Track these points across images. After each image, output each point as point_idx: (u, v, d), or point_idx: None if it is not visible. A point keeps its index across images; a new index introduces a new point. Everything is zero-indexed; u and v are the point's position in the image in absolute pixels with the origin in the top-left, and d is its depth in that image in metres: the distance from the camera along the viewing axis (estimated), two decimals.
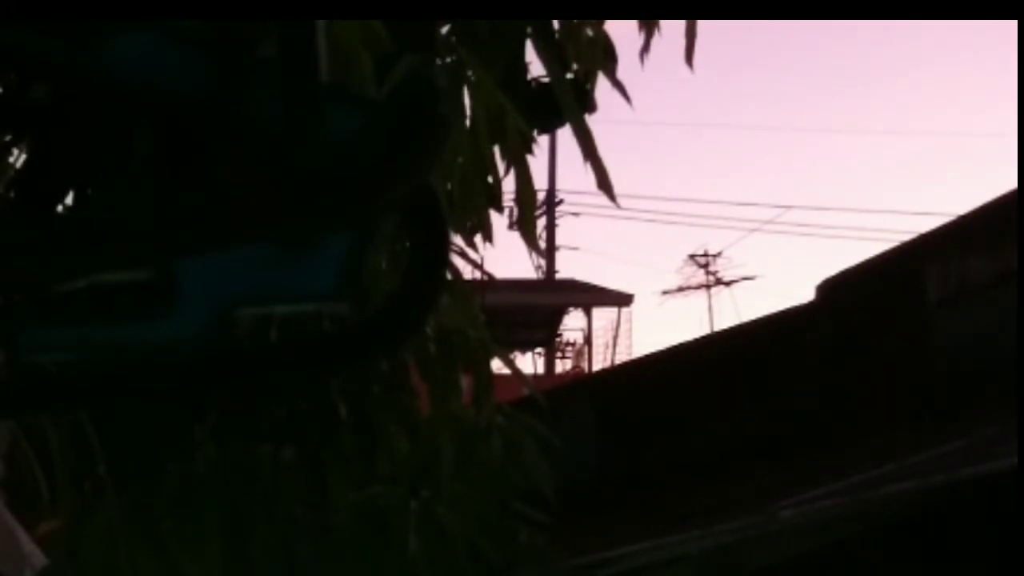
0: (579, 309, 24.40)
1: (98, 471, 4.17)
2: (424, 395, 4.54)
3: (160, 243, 1.38)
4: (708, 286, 27.68)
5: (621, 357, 23.07)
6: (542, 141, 4.02)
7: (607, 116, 3.97)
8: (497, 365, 4.58)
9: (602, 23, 3.76)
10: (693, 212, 46.26)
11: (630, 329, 31.17)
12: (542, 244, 24.34)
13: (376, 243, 1.45)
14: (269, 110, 1.39)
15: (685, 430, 9.68)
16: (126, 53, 1.42)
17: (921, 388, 8.03)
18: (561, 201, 25.74)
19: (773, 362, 9.30)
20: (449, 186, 3.60)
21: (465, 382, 4.45)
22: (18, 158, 1.87)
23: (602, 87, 3.81)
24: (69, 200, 1.59)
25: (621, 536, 7.31)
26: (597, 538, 7.40)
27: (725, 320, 26.70)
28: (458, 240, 3.94)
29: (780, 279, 52.87)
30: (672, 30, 3.87)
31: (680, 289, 27.84)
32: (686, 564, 5.87)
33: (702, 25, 3.82)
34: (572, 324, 24.61)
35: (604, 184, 3.58)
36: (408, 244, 1.59)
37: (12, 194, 1.63)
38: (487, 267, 4.43)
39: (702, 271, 27.81)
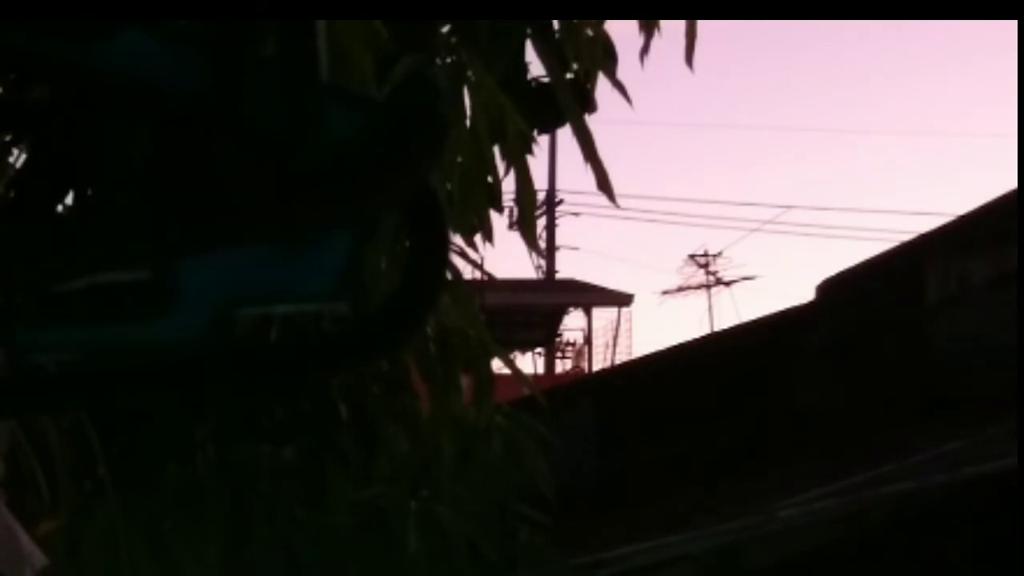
0: (579, 309, 24.40)
1: (98, 471, 4.17)
2: (424, 395, 4.54)
3: (160, 243, 1.38)
4: (708, 286, 27.68)
5: (621, 357, 23.08)
6: (542, 141, 4.02)
7: (607, 116, 3.98)
8: (497, 365, 4.59)
9: (602, 23, 3.76)
10: (693, 212, 46.25)
11: (630, 329, 31.18)
12: (542, 244, 24.34)
13: (376, 243, 1.45)
14: (269, 110, 1.39)
15: (685, 430, 9.68)
16: (126, 53, 1.42)
17: (921, 388, 8.03)
18: (561, 201, 25.75)
19: (773, 362, 9.30)
20: (449, 186, 3.60)
21: (465, 382, 4.45)
22: (18, 158, 1.87)
23: (602, 87, 3.81)
24: (69, 200, 1.59)
25: (621, 536, 7.31)
26: (597, 538, 7.40)
27: (725, 320, 26.69)
28: (458, 240, 3.94)
29: (780, 279, 52.86)
30: (672, 30, 3.87)
31: (680, 289, 27.85)
32: (686, 564, 5.87)
33: (702, 25, 3.83)
34: (572, 324, 24.64)
35: (604, 184, 3.58)
36: (408, 244, 1.60)
37: (12, 194, 1.63)
38: (487, 267, 4.44)
39: (702, 271, 27.81)
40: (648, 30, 3.85)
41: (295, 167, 1.37)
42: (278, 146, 1.38)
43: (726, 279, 27.62)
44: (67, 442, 3.96)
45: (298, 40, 1.39)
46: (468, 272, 4.33)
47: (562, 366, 24.46)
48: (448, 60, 3.60)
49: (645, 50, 3.88)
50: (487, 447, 4.63)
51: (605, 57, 3.79)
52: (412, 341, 3.91)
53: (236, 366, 1.55)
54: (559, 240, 25.94)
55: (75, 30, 1.41)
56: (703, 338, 11.72)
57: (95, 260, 1.39)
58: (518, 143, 3.66)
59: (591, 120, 3.68)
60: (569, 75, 3.73)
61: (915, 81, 58.54)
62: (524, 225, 3.89)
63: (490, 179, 3.69)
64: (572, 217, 26.19)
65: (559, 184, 25.66)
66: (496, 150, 3.66)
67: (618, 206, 3.75)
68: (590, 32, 3.74)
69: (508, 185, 3.75)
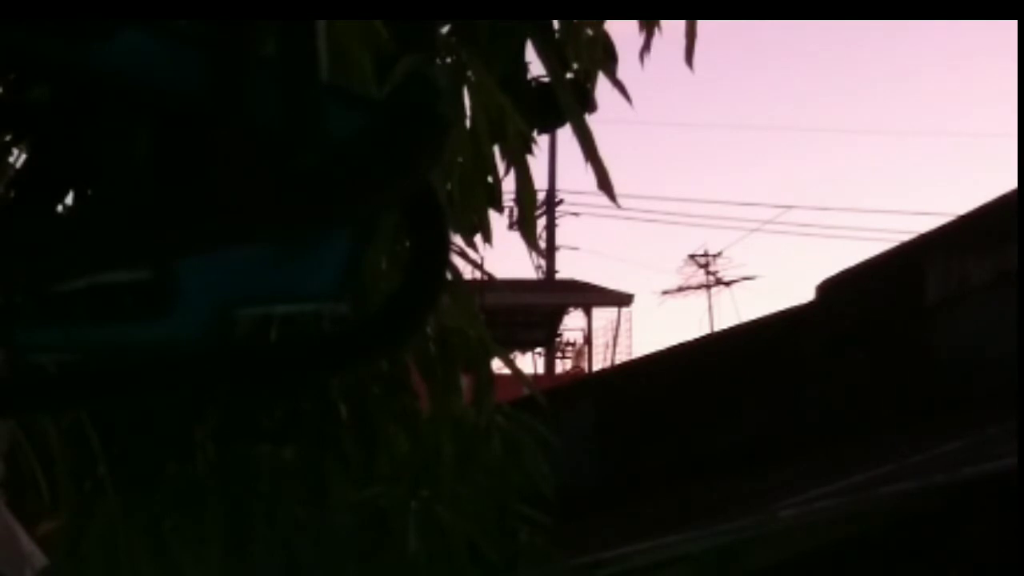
0: (579, 309, 24.40)
1: (98, 471, 4.17)
2: (424, 395, 4.54)
3: (160, 243, 1.38)
4: (708, 286, 27.68)
5: (621, 357, 23.08)
6: (542, 141, 4.02)
7: (607, 116, 3.98)
8: (497, 365, 4.59)
9: (602, 23, 3.76)
10: (693, 212, 46.17)
11: (630, 329, 31.15)
12: (542, 244, 24.34)
13: (376, 243, 1.45)
14: (269, 110, 1.39)
15: (685, 430, 9.68)
16: (126, 53, 1.42)
17: (921, 388, 8.03)
18: (561, 201, 25.75)
19: (773, 362, 9.30)
20: (449, 186, 3.60)
21: (465, 382, 4.45)
22: (18, 158, 1.87)
23: (602, 87, 3.81)
24: (69, 200, 1.59)
25: (621, 536, 7.31)
26: (597, 538, 7.40)
27: (725, 320, 26.68)
28: (458, 240, 3.94)
29: (780, 279, 52.77)
30: (672, 30, 3.87)
31: (680, 289, 27.84)
32: (686, 564, 5.86)
33: (702, 25, 3.83)
34: (572, 324, 24.63)
35: (604, 184, 3.58)
36: (408, 244, 1.59)
37: (12, 194, 1.63)
38: (487, 267, 4.44)
39: (702, 271, 27.81)
40: (648, 30, 3.85)
41: (295, 167, 1.37)
42: (278, 146, 1.38)
43: (726, 279, 27.62)
44: (67, 442, 3.96)
45: (298, 40, 1.39)
46: (468, 272, 4.34)
47: (562, 366, 24.47)
48: (448, 60, 3.59)
49: (646, 49, 3.88)
50: (487, 447, 4.63)
51: (605, 57, 3.79)
52: (412, 341, 3.91)
53: (236, 366, 1.55)
54: (559, 240, 25.96)
55: (75, 30, 1.41)
56: (703, 338, 11.71)
57: (95, 260, 1.40)
58: (518, 143, 3.66)
59: (591, 120, 3.68)
60: (569, 75, 3.73)
61: (915, 81, 58.51)
62: (524, 225, 3.89)
63: (490, 179, 3.69)
64: (572, 217, 26.20)
65: (559, 184, 25.67)
66: (496, 150, 3.66)
67: (619, 206, 3.75)
68: (590, 32, 3.74)
69: (508, 185, 3.76)
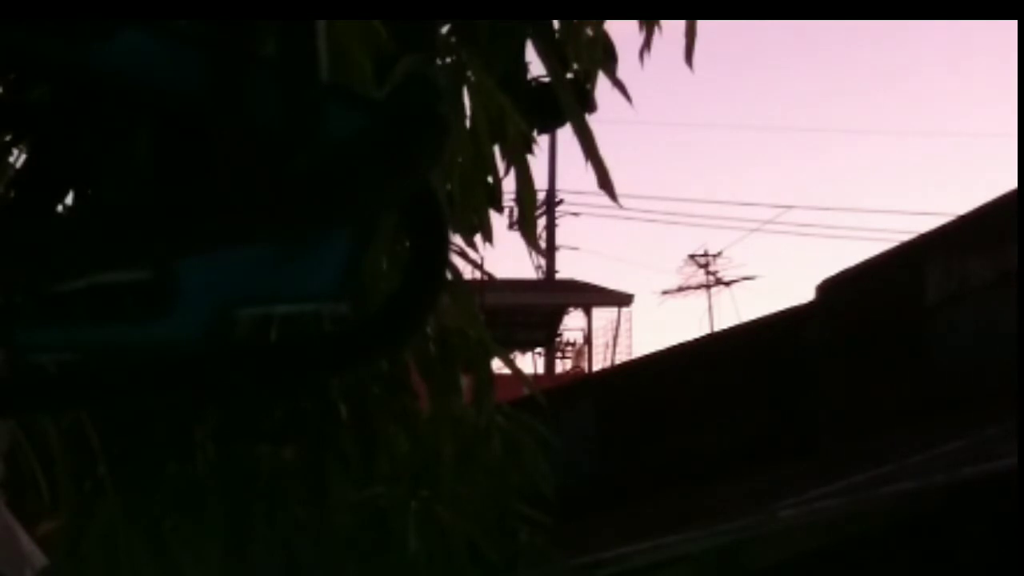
0: (579, 309, 24.40)
1: (98, 471, 4.17)
2: (424, 395, 4.54)
3: (160, 243, 1.38)
4: (708, 286, 27.67)
5: (621, 357, 23.07)
6: (542, 141, 4.02)
7: (607, 116, 3.97)
8: (497, 365, 4.59)
9: (602, 23, 3.76)
10: (693, 212, 46.19)
11: (630, 329, 31.14)
12: (542, 244, 24.34)
13: (376, 243, 1.45)
14: (269, 110, 1.39)
15: (685, 430, 9.68)
16: (126, 53, 1.42)
17: (921, 388, 8.03)
18: (561, 201, 25.74)
19: (773, 362, 9.30)
20: (449, 186, 3.60)
21: (465, 382, 4.45)
22: (18, 158, 1.87)
23: (602, 87, 3.81)
24: (69, 200, 1.59)
25: (621, 536, 7.31)
26: (597, 538, 7.40)
27: (725, 320, 26.67)
28: (458, 240, 3.94)
29: (780, 279, 52.75)
30: (672, 30, 3.87)
31: (680, 289, 27.83)
32: (686, 564, 5.87)
33: (702, 25, 3.83)
34: (572, 324, 24.63)
35: (604, 184, 3.58)
36: (408, 244, 1.59)
37: (12, 194, 1.63)
38: (487, 267, 4.44)
39: (702, 271, 27.80)
40: (648, 30, 3.85)
41: (295, 167, 1.37)
42: (278, 146, 1.38)
43: (726, 279, 27.61)
44: (67, 442, 3.96)
45: (298, 40, 1.39)
46: (468, 272, 4.34)
47: (562, 366, 24.46)
48: (448, 60, 3.59)
49: (646, 48, 3.88)
50: (487, 447, 4.63)
51: (605, 57, 3.79)
52: (412, 341, 3.91)
53: (236, 366, 1.55)
54: (559, 240, 25.95)
55: (75, 30, 1.41)
56: (703, 338, 11.71)
57: (95, 260, 1.39)
58: (518, 143, 3.66)
59: (591, 120, 3.68)
60: (569, 75, 3.73)
61: (915, 81, 58.52)
62: (524, 225, 3.89)
63: (490, 179, 3.69)
64: (572, 217, 26.19)
65: (559, 184, 25.67)
66: (496, 150, 3.66)
67: (620, 205, 3.75)
68: (590, 32, 3.74)
69: (508, 185, 3.75)
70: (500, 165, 3.69)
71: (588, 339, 24.38)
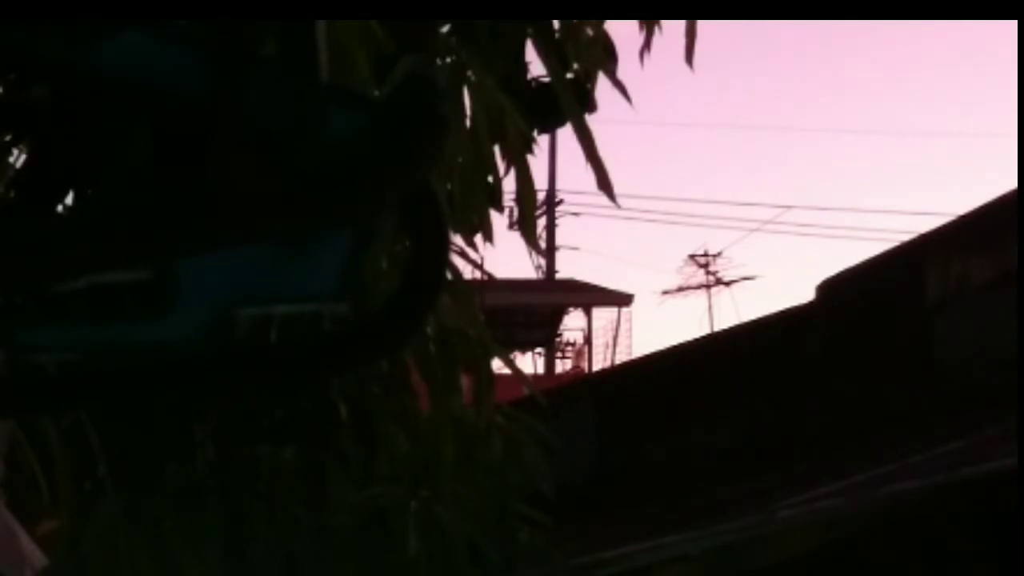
0: (579, 309, 24.39)
1: (98, 471, 4.17)
2: (424, 395, 4.54)
3: (160, 243, 1.38)
4: (708, 286, 27.67)
5: (621, 357, 23.06)
6: (542, 141, 4.02)
7: (607, 116, 3.98)
8: (497, 365, 4.58)
9: (602, 23, 3.76)
10: (693, 212, 46.17)
11: (630, 329, 31.14)
12: (542, 244, 24.34)
13: (376, 243, 1.45)
14: (269, 110, 1.38)
15: (685, 430, 9.68)
16: (126, 53, 1.42)
17: (921, 388, 8.02)
18: (561, 201, 25.74)
19: (773, 362, 9.30)
20: (449, 186, 3.60)
21: (465, 382, 4.45)
22: (18, 158, 1.87)
23: (602, 87, 3.81)
24: (69, 200, 1.59)
25: (621, 536, 7.31)
26: (597, 538, 7.40)
27: (725, 320, 26.67)
28: (458, 240, 3.94)
29: (780, 279, 52.73)
30: (672, 30, 3.87)
31: (680, 289, 27.83)
32: (686, 564, 5.87)
33: (702, 25, 3.83)
34: (572, 324, 24.62)
35: (604, 184, 3.58)
36: (408, 244, 1.59)
37: (12, 194, 1.63)
38: (487, 267, 4.44)
39: (702, 271, 27.80)
40: (648, 30, 3.85)
41: (295, 167, 1.37)
42: (278, 146, 1.38)
43: (726, 279, 27.61)
44: (67, 442, 3.96)
45: (298, 40, 1.39)
46: (468, 272, 4.34)
47: (562, 366, 24.45)
48: (448, 60, 3.59)
49: (646, 48, 3.88)
50: (487, 447, 4.63)
51: (605, 57, 3.79)
52: (412, 341, 3.91)
53: (236, 366, 1.55)
54: (559, 240, 25.95)
55: (75, 30, 1.41)
56: (703, 338, 11.71)
57: (95, 260, 1.39)
58: (518, 143, 3.66)
59: (591, 120, 3.68)
60: (569, 75, 3.73)
61: (915, 81, 58.55)
62: (524, 225, 3.89)
63: (490, 179, 3.69)
64: (572, 217, 26.19)
65: (559, 184, 25.67)
66: (496, 150, 3.66)
67: (618, 206, 3.75)
68: (590, 32, 3.74)
69: (508, 185, 3.75)
70: (500, 165, 3.69)
71: (588, 339, 24.38)
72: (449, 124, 1.43)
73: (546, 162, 24.49)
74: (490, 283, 4.59)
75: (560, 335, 24.60)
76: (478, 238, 3.93)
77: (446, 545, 4.44)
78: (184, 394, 3.80)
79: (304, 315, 1.51)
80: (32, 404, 1.79)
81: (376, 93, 2.94)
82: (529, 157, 3.76)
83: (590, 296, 24.11)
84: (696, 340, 11.01)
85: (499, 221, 3.95)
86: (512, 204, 3.84)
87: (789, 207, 42.33)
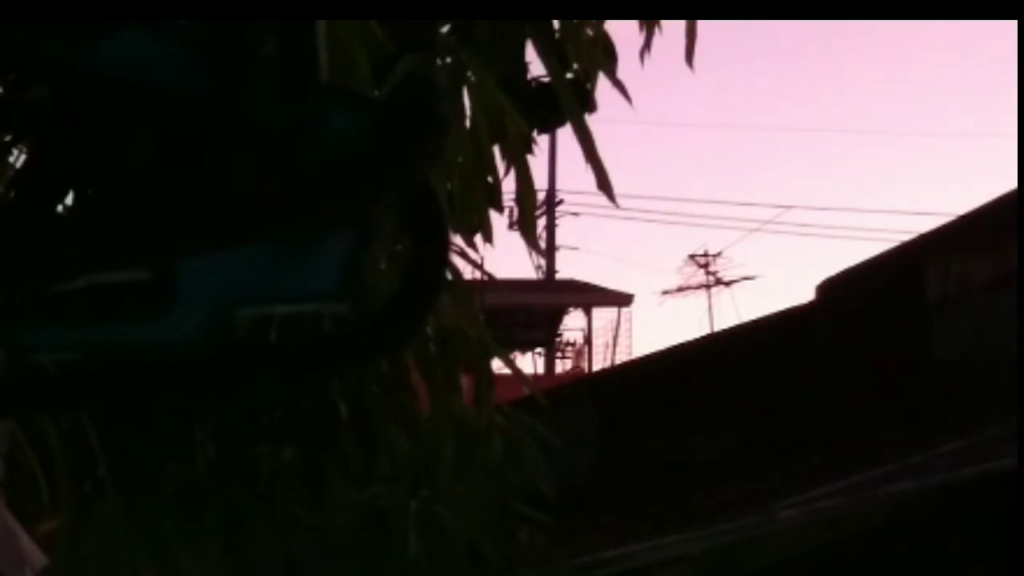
0: (579, 309, 24.39)
1: (98, 471, 4.17)
2: (424, 395, 4.54)
3: (160, 243, 1.38)
4: (708, 286, 27.67)
5: (621, 357, 23.06)
6: (542, 141, 4.02)
7: (607, 116, 3.98)
8: (497, 365, 4.58)
9: (602, 23, 3.76)
10: (693, 212, 46.22)
11: (630, 329, 31.15)
12: (542, 244, 24.33)
13: (376, 243, 1.44)
14: (269, 110, 1.38)
15: (685, 430, 9.68)
16: (126, 53, 1.42)
17: (921, 388, 8.03)
18: (561, 201, 25.74)
19: (773, 362, 9.30)
20: (449, 186, 3.60)
21: (465, 382, 4.45)
22: (18, 158, 1.87)
23: (602, 87, 3.81)
24: (69, 200, 1.59)
25: (621, 536, 7.31)
26: (597, 538, 7.40)
27: (725, 320, 26.68)
28: (458, 240, 3.94)
29: (780, 279, 52.74)
30: (672, 30, 3.87)
31: (680, 289, 27.83)
32: (686, 564, 5.87)
33: (702, 25, 3.83)
34: (572, 324, 24.62)
35: (604, 184, 3.57)
36: (408, 244, 1.59)
37: (12, 194, 1.63)
38: (487, 267, 4.43)
39: (702, 271, 27.80)
40: (648, 30, 3.85)
41: (295, 167, 1.37)
42: (278, 146, 1.38)
43: (726, 279, 27.61)
44: (67, 442, 3.96)
45: (298, 40, 1.39)
46: (468, 272, 4.34)
47: (562, 366, 24.45)
48: (448, 60, 3.59)
49: (646, 48, 3.88)
50: (487, 447, 4.63)
51: (605, 57, 3.79)
52: (412, 341, 3.91)
53: (236, 366, 1.55)
54: (559, 240, 25.95)
55: (75, 30, 1.41)
56: (703, 338, 11.71)
57: (95, 260, 1.39)
58: (518, 143, 3.66)
59: (591, 120, 3.68)
60: (569, 75, 3.73)
61: (916, 81, 58.55)
62: (524, 225, 3.89)
63: (490, 179, 3.69)
64: (572, 217, 26.20)
65: (559, 184, 25.67)
66: (496, 150, 3.66)
67: (618, 206, 3.75)
68: (590, 32, 3.74)
69: (508, 185, 3.75)
70: (500, 165, 3.69)
71: (588, 339, 24.38)
72: (449, 124, 1.43)
73: (546, 162, 24.51)
74: (490, 283, 4.58)
75: (560, 335, 24.60)
76: (478, 238, 3.93)
77: (446, 545, 4.44)
78: (184, 394, 3.80)
79: (304, 315, 1.51)
80: (32, 404, 1.79)
81: (376, 93, 2.94)
82: (529, 157, 3.76)
83: (590, 296, 24.11)
84: (696, 340, 11.01)
85: (499, 221, 3.96)
86: (512, 204, 3.84)
87: (789, 207, 42.37)
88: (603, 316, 24.50)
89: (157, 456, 4.42)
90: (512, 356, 5.45)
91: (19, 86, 1.56)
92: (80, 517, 4.20)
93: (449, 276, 3.97)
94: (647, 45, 3.88)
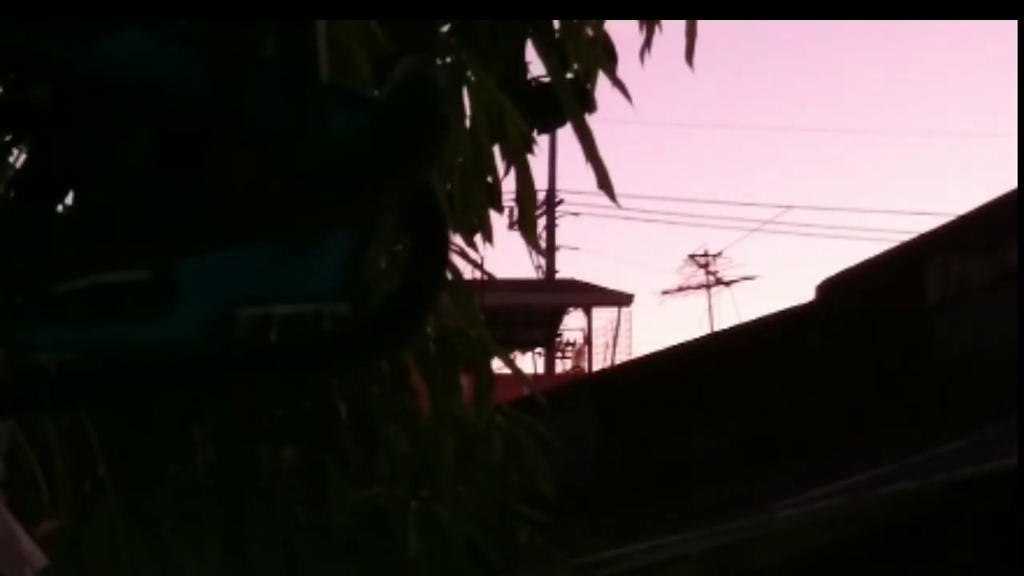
0: (579, 309, 24.39)
1: (98, 471, 4.17)
2: (424, 395, 4.54)
3: (160, 243, 1.38)
4: (708, 286, 27.66)
5: (621, 357, 23.07)
6: (542, 141, 4.02)
7: (607, 116, 3.98)
8: (497, 365, 4.58)
9: (602, 23, 3.76)
10: (693, 212, 46.17)
11: (630, 329, 31.14)
12: (542, 244, 24.34)
13: (376, 243, 1.44)
14: (269, 110, 1.38)
15: (685, 430, 9.68)
16: (126, 53, 1.42)
17: (921, 388, 8.03)
18: (561, 201, 25.74)
19: (773, 362, 9.30)
20: (449, 186, 3.60)
21: (465, 382, 4.45)
22: (18, 158, 1.87)
23: (602, 87, 3.81)
24: (69, 200, 1.59)
25: (621, 536, 7.31)
26: (597, 538, 7.40)
27: (725, 320, 26.67)
28: (458, 240, 3.94)
29: (780, 279, 52.72)
30: (672, 30, 3.87)
31: (680, 289, 27.83)
32: (686, 564, 5.87)
33: (702, 25, 3.83)
34: (572, 324, 24.62)
35: (604, 184, 3.58)
36: (408, 244, 1.59)
37: (12, 194, 1.63)
38: (487, 267, 4.43)
39: (702, 271, 27.80)
40: (648, 30, 3.85)
41: (295, 167, 1.37)
42: (278, 146, 1.38)
43: (726, 279, 27.61)
44: (67, 442, 3.96)
45: (298, 40, 1.39)
46: (468, 272, 4.34)
47: (562, 366, 24.45)
48: (448, 60, 3.59)
49: (647, 47, 3.88)
50: (487, 447, 4.63)
51: (605, 57, 3.79)
52: (412, 341, 3.91)
53: (236, 366, 1.55)
54: (559, 240, 25.95)
55: (75, 30, 1.41)
56: (703, 338, 11.71)
57: (95, 260, 1.39)
58: (518, 143, 3.66)
59: (591, 120, 3.68)
60: (569, 75, 3.73)
61: (915, 81, 58.56)
62: (524, 225, 3.89)
63: (490, 179, 3.69)
64: (572, 217, 26.20)
65: (559, 184, 25.66)
66: (496, 150, 3.66)
67: (619, 205, 3.75)
68: (590, 32, 3.74)
69: (508, 185, 3.75)
70: (500, 165, 3.69)
71: (588, 339, 24.38)
72: (449, 124, 1.43)
73: (546, 162, 24.50)
74: (490, 283, 4.58)
75: (560, 335, 24.60)
76: (478, 238, 3.93)
77: (446, 545, 4.44)
78: (184, 394, 3.80)
79: (304, 315, 1.51)
80: (32, 404, 1.79)
81: (376, 93, 2.94)
82: (529, 157, 3.76)
83: (590, 296, 24.11)
84: (696, 340, 11.01)
85: (499, 221, 3.96)
86: (512, 204, 3.84)
87: (789, 207, 42.32)
88: (603, 316, 24.52)
89: (157, 456, 4.42)
90: (512, 356, 5.45)
91: (19, 86, 1.56)
92: (80, 517, 4.20)
93: (449, 276, 3.97)
94: (647, 45, 3.89)
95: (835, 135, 52.85)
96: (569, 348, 24.84)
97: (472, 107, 3.56)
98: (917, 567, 5.86)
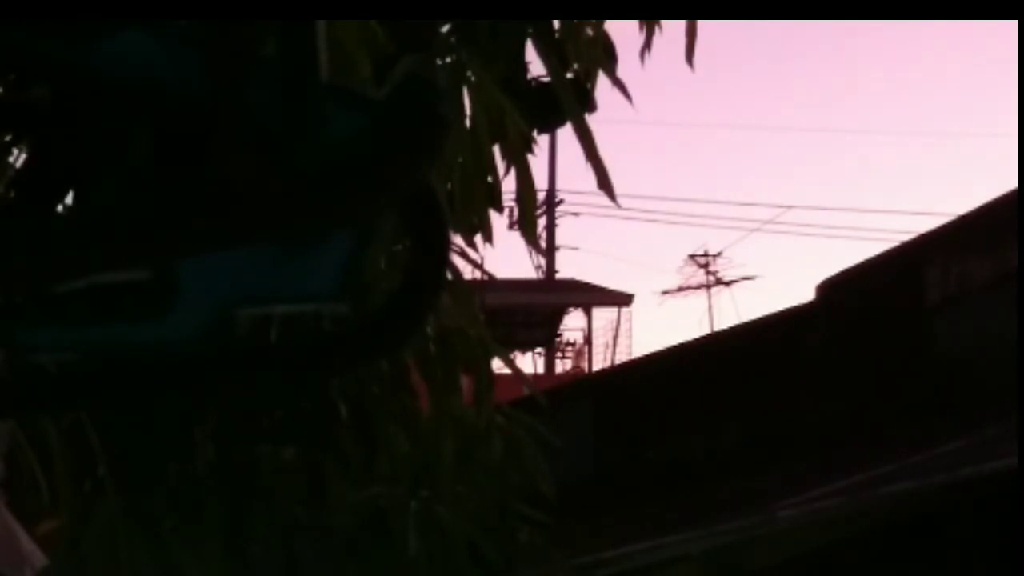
0: (579, 309, 24.39)
1: (98, 471, 4.17)
2: (424, 395, 4.54)
3: (160, 243, 1.38)
4: (708, 286, 27.65)
5: (621, 357, 23.06)
6: (542, 141, 4.02)
7: (607, 116, 3.97)
8: (497, 365, 4.58)
9: (602, 23, 3.76)
10: (693, 212, 46.13)
11: (630, 329, 31.09)
12: (542, 244, 24.33)
13: (376, 243, 1.44)
14: (269, 110, 1.38)
15: (685, 430, 9.68)
16: (126, 53, 1.42)
17: (921, 388, 8.03)
18: (561, 201, 25.73)
19: (773, 362, 9.30)
20: (449, 186, 3.60)
21: (465, 382, 4.45)
22: (18, 158, 1.87)
23: (602, 87, 3.81)
24: (69, 200, 1.59)
25: (621, 536, 7.32)
26: (597, 538, 7.40)
27: (725, 320, 26.64)
28: (458, 240, 3.94)
29: (780, 279, 52.72)
30: (672, 30, 3.87)
31: (680, 289, 27.81)
32: (686, 564, 5.87)
33: (702, 25, 3.83)
34: (572, 324, 24.61)
35: (604, 184, 3.58)
36: (408, 244, 1.59)
37: (12, 194, 1.63)
38: (487, 267, 4.43)
39: (702, 271, 27.78)
40: (649, 30, 3.85)
41: (295, 167, 1.37)
42: (278, 146, 1.38)
43: (726, 279, 27.60)
44: (67, 442, 3.96)
45: (298, 40, 1.39)
46: (468, 272, 4.33)
47: (562, 366, 24.45)
48: (448, 60, 3.59)
49: (647, 47, 3.88)
50: (487, 447, 4.63)
51: (605, 57, 3.79)
52: (412, 341, 3.91)
53: (236, 366, 1.55)
54: (559, 240, 25.94)
55: (75, 30, 1.41)
56: (703, 338, 11.71)
57: (95, 260, 1.39)
58: (518, 143, 3.66)
59: (591, 120, 3.68)
60: (569, 75, 3.73)
61: (915, 81, 58.54)
62: (524, 225, 3.89)
63: (490, 179, 3.69)
64: (572, 217, 26.18)
65: (559, 184, 25.64)
66: (496, 150, 3.66)
67: (619, 205, 3.75)
68: (590, 32, 3.74)
69: (508, 185, 3.75)
70: (500, 165, 3.69)
71: (588, 339, 24.38)
72: (449, 124, 1.43)
73: (546, 162, 24.48)
74: (490, 283, 4.58)
75: (560, 335, 24.59)
76: (478, 238, 3.93)
77: (446, 545, 4.44)
78: (184, 394, 3.80)
79: (304, 315, 1.51)
80: (32, 404, 1.79)
81: (376, 93, 2.94)
82: (529, 157, 3.76)
83: (590, 296, 24.10)
84: (696, 340, 11.02)
85: (499, 221, 3.96)
86: (512, 204, 3.84)
87: (789, 207, 42.27)
88: (603, 316, 24.51)
89: (157, 456, 4.42)
90: (512, 356, 5.45)
91: (19, 86, 1.56)
92: (80, 517, 4.20)
93: (449, 276, 3.97)
94: (647, 45, 3.88)
95: (835, 135, 52.83)
96: (569, 348, 24.84)
97: (472, 107, 3.56)
98: (917, 567, 5.86)
